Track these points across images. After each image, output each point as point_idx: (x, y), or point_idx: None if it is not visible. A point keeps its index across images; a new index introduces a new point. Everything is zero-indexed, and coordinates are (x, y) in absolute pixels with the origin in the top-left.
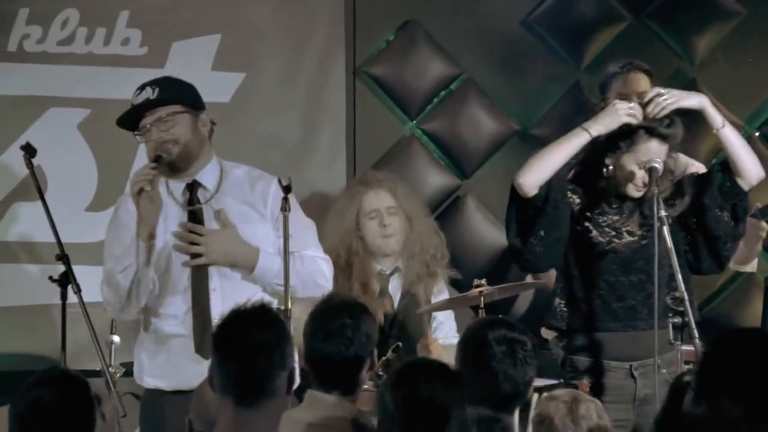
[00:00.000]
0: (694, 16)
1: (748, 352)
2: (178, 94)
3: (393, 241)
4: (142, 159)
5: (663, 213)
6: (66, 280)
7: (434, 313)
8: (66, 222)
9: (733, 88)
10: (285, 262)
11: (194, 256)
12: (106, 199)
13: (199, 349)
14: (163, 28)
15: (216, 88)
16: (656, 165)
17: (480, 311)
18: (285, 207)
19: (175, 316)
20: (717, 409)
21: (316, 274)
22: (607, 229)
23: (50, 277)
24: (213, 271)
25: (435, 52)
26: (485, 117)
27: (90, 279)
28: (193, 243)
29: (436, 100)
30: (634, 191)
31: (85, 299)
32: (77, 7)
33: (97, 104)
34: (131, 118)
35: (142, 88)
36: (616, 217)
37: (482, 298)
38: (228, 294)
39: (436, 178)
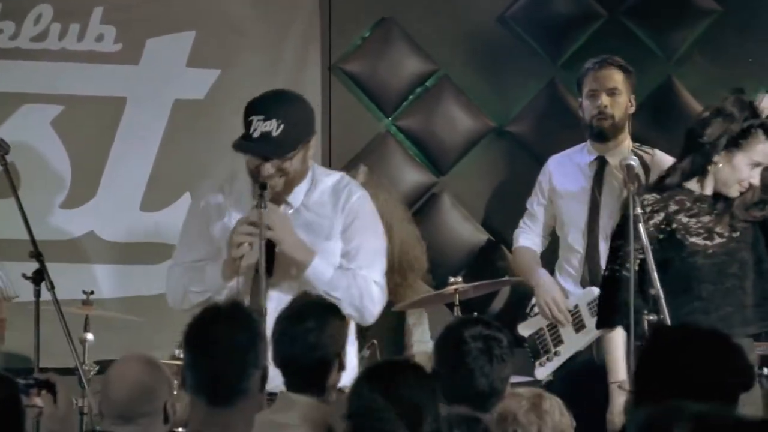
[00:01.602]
0: (670, 13)
1: (679, 347)
2: (304, 133)
3: None
4: (115, 157)
5: (639, 211)
6: (40, 277)
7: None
8: (40, 219)
9: (710, 84)
10: (260, 261)
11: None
12: (80, 195)
13: None
14: (137, 24)
15: (191, 84)
16: (632, 162)
17: (455, 309)
18: (260, 204)
19: None
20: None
21: (364, 295)
22: (701, 230)
23: (24, 275)
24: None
25: (411, 49)
26: (461, 114)
27: (64, 276)
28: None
29: (411, 97)
30: (736, 191)
31: (59, 296)
32: (51, 3)
33: (71, 101)
34: (243, 141)
35: (263, 111)
36: (707, 218)
37: (457, 296)
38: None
39: (412, 175)
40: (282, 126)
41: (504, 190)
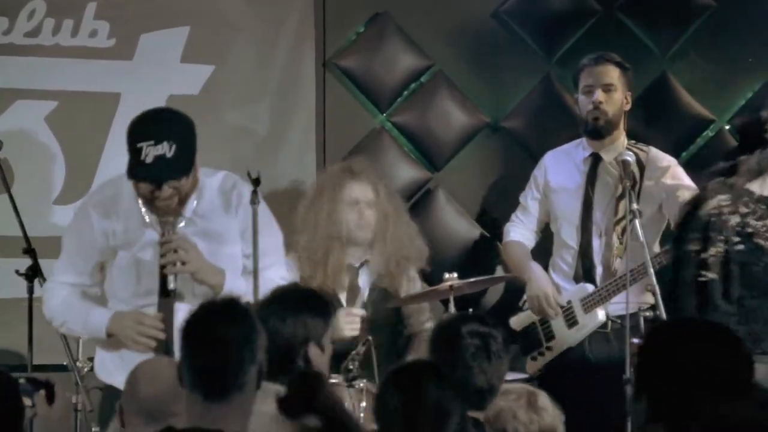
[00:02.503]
0: (665, 9)
1: (679, 342)
2: (193, 150)
3: (367, 231)
4: (110, 153)
5: (635, 206)
6: (33, 273)
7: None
8: (33, 215)
9: (704, 80)
10: (254, 257)
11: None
12: (74, 192)
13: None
14: (131, 19)
15: (185, 80)
16: (628, 158)
17: (450, 305)
18: (254, 200)
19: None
20: (657, 402)
21: None
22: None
23: (17, 271)
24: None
25: (405, 45)
26: (456, 109)
27: None
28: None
29: (406, 92)
30: None
31: None
32: None
33: (65, 96)
34: (139, 169)
35: (153, 135)
36: None
37: (452, 292)
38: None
39: (407, 171)
40: (174, 146)
41: (499, 186)
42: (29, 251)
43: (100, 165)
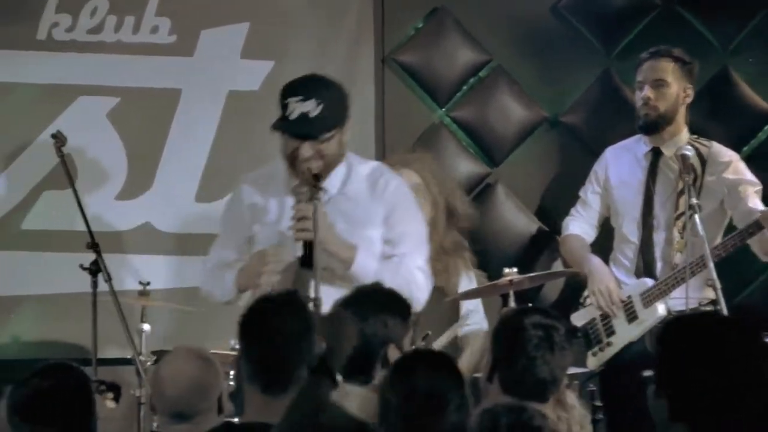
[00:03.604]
0: (725, 2)
1: (699, 337)
2: (341, 116)
3: None
4: (171, 148)
5: (695, 201)
6: (97, 268)
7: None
8: (96, 210)
9: (766, 74)
10: (314, 253)
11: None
12: (136, 187)
13: None
14: (191, 16)
15: (245, 76)
16: (687, 152)
17: (509, 300)
18: (314, 196)
19: None
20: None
21: (411, 285)
22: None
23: (81, 266)
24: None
25: (464, 40)
26: (515, 104)
27: (120, 267)
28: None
29: (465, 87)
30: None
31: (116, 287)
32: None
33: (127, 93)
34: (282, 122)
35: (301, 92)
36: None
37: (512, 287)
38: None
39: (466, 166)
40: (321, 105)
41: (558, 181)
42: (93, 246)
43: (161, 161)
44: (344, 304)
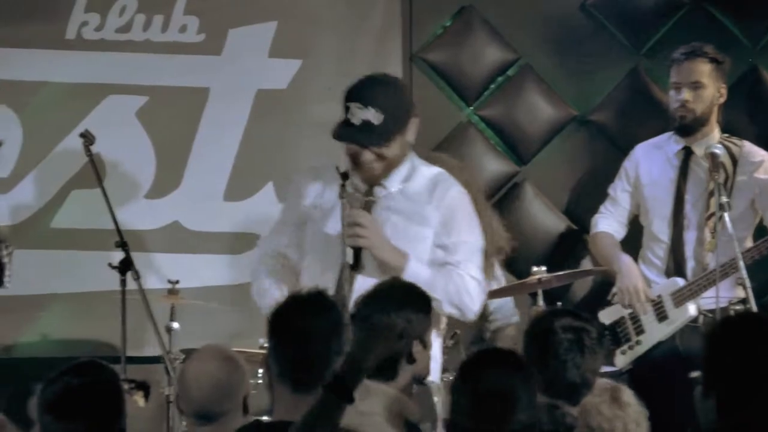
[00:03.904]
0: (755, 1)
1: (750, 337)
2: (403, 120)
3: None
4: (199, 147)
5: (724, 199)
6: (125, 266)
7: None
8: (125, 209)
9: None
10: (343, 248)
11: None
12: (164, 186)
13: None
14: (219, 15)
15: (273, 74)
16: (717, 151)
17: (538, 298)
18: (342, 194)
19: None
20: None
21: (463, 293)
22: None
23: (110, 264)
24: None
25: (492, 38)
26: (543, 103)
27: (149, 266)
28: (357, 225)
29: (493, 86)
30: None
31: (145, 286)
32: None
33: (155, 91)
34: (342, 128)
35: (362, 98)
36: None
37: (541, 286)
38: None
39: (494, 165)
40: (381, 114)
41: (586, 179)
42: (121, 244)
43: (189, 159)
44: (365, 301)
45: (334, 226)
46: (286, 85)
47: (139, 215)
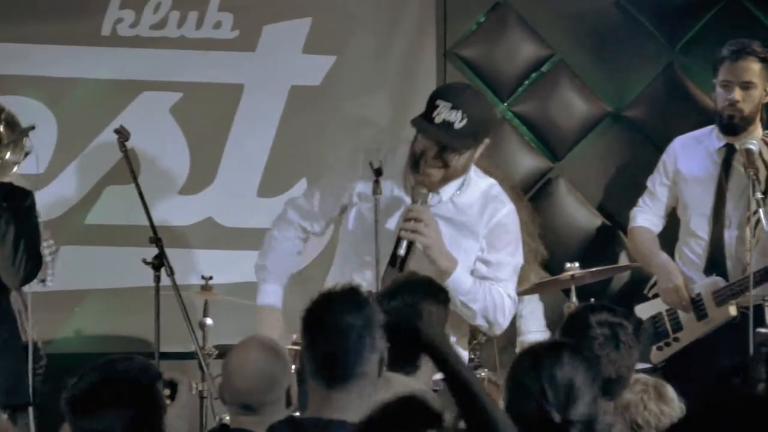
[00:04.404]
0: None
1: None
2: (480, 134)
3: None
4: (233, 143)
5: (759, 195)
6: (159, 262)
7: (520, 306)
8: (159, 205)
9: None
10: (375, 244)
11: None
12: (199, 182)
13: None
14: (254, 11)
15: (307, 71)
16: (751, 147)
17: (571, 294)
18: (376, 190)
19: None
20: None
21: (498, 311)
22: None
23: (144, 260)
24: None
25: (526, 34)
26: (577, 99)
27: (183, 262)
28: (415, 222)
29: (527, 82)
30: None
31: (178, 282)
32: None
33: (189, 88)
34: (424, 122)
35: (453, 99)
36: None
37: (574, 282)
38: None
39: (528, 161)
40: (466, 120)
41: (620, 176)
42: (155, 240)
43: (223, 155)
44: (388, 294)
45: (391, 217)
46: (320, 82)
47: (173, 211)
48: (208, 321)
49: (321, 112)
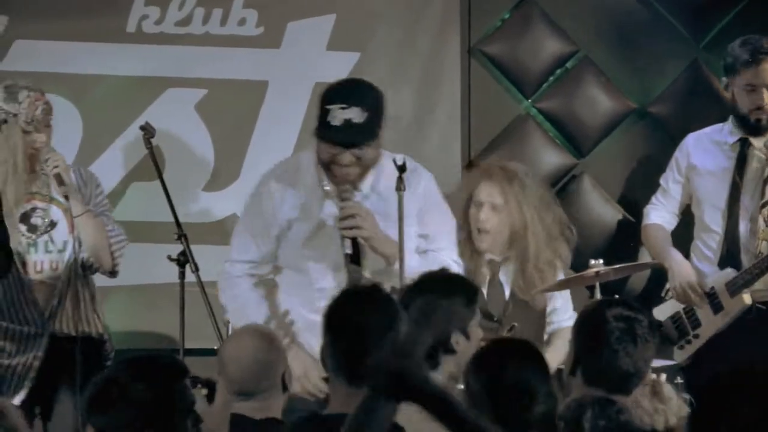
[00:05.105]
0: None
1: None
2: (381, 121)
3: (485, 238)
4: (258, 140)
5: None
6: (184, 259)
7: (549, 299)
8: (184, 201)
9: None
10: (399, 242)
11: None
12: (223, 178)
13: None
14: (278, 8)
15: (331, 68)
16: None
17: (595, 291)
18: (400, 186)
19: None
20: None
21: None
22: None
23: (169, 257)
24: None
25: (551, 30)
26: (602, 95)
27: (208, 258)
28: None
29: (551, 78)
30: None
31: (203, 278)
32: None
33: (214, 84)
34: (325, 130)
35: (344, 99)
36: None
37: (598, 279)
38: None
39: (552, 157)
40: (364, 114)
41: (645, 172)
42: (181, 237)
43: (248, 152)
44: (409, 290)
45: (324, 223)
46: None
47: (198, 208)
48: None
49: None
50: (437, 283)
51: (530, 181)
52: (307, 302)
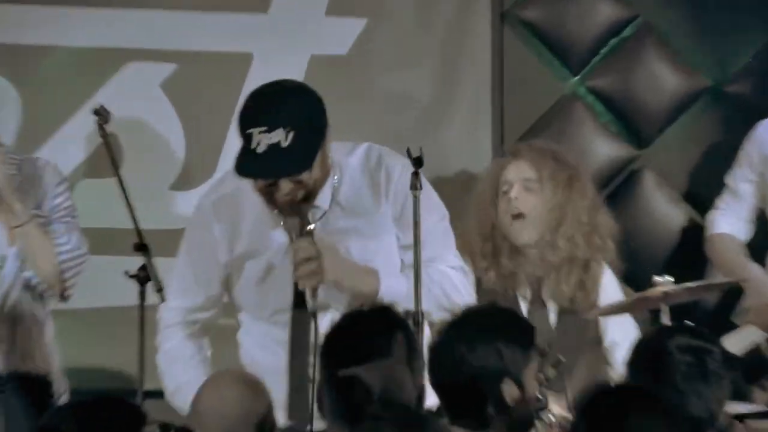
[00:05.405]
0: None
1: None
2: (318, 136)
3: (524, 225)
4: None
5: None
6: (146, 275)
7: (605, 330)
8: (146, 203)
9: None
10: (416, 253)
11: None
12: (195, 174)
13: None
14: None
15: (331, 37)
16: None
17: (661, 315)
18: (415, 185)
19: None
20: None
21: (450, 291)
22: None
23: (126, 272)
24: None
25: None
26: (667, 71)
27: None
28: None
29: (604, 50)
30: None
31: None
32: None
33: (186, 58)
34: (247, 162)
35: (264, 120)
36: None
37: (666, 300)
38: None
39: (605, 148)
40: (292, 133)
41: (722, 166)
42: (141, 247)
43: (226, 142)
44: (448, 330)
45: (278, 257)
46: (347, 50)
47: (165, 211)
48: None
49: (348, 87)
50: (480, 319)
51: (570, 160)
52: (270, 345)
